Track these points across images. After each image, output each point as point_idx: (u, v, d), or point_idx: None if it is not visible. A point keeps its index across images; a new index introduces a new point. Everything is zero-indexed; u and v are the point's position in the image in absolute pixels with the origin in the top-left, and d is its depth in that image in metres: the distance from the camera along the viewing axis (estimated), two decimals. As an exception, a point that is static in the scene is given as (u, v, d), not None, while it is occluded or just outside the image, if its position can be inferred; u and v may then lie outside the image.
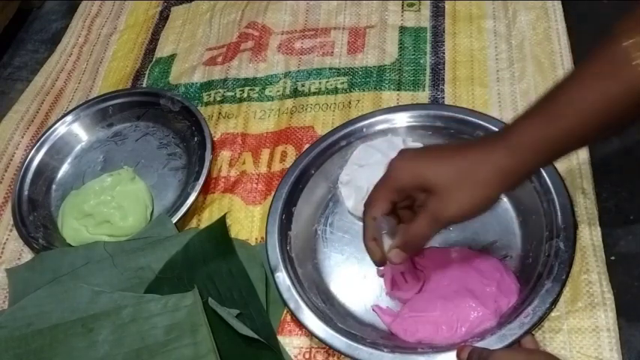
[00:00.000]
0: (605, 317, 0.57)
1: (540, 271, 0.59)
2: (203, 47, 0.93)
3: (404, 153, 0.54)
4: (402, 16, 0.88)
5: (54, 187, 0.83)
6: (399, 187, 0.52)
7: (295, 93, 0.83)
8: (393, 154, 0.68)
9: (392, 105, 0.77)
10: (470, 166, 0.49)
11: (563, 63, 0.76)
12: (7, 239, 0.78)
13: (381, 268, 0.64)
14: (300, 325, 0.61)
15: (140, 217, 0.74)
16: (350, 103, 0.80)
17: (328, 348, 0.59)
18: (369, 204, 0.54)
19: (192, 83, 0.88)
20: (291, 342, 0.62)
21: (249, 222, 0.72)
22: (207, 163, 0.75)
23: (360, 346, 0.57)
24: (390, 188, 0.53)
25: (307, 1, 0.93)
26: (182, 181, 0.78)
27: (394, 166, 0.53)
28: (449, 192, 0.49)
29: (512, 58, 0.79)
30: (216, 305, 0.62)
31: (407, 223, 0.54)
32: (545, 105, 0.48)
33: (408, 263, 0.61)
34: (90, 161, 0.84)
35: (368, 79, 0.82)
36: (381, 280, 0.64)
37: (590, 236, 0.62)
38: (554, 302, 0.57)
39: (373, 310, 0.62)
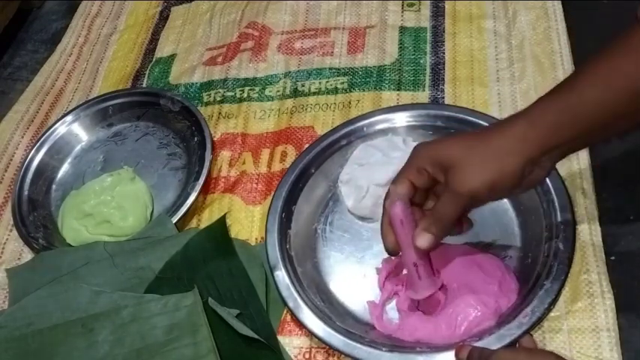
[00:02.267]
0: (605, 317, 0.57)
1: (539, 271, 0.59)
2: (203, 47, 0.93)
3: (426, 141, 0.55)
4: (402, 16, 0.88)
5: (54, 187, 0.82)
6: (419, 165, 0.53)
7: (295, 93, 0.83)
8: (394, 154, 0.69)
9: (392, 105, 0.77)
10: (490, 138, 0.49)
11: (563, 63, 0.76)
12: (7, 239, 0.78)
13: (392, 258, 0.62)
14: (300, 325, 0.61)
15: (140, 217, 0.74)
16: (350, 103, 0.80)
17: (328, 348, 0.59)
18: (391, 188, 0.54)
19: (192, 83, 0.88)
20: (291, 342, 0.62)
21: (249, 222, 0.72)
22: (207, 163, 0.74)
23: (359, 345, 0.57)
24: (411, 169, 0.53)
25: (307, 1, 0.93)
26: (182, 181, 0.78)
27: (415, 149, 0.54)
28: (468, 163, 0.49)
29: (512, 58, 0.79)
30: (216, 305, 0.62)
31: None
32: (568, 84, 0.48)
33: (424, 258, 0.56)
34: (90, 161, 0.84)
35: (368, 79, 0.82)
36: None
37: (590, 236, 0.62)
38: (553, 302, 0.57)
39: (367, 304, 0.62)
